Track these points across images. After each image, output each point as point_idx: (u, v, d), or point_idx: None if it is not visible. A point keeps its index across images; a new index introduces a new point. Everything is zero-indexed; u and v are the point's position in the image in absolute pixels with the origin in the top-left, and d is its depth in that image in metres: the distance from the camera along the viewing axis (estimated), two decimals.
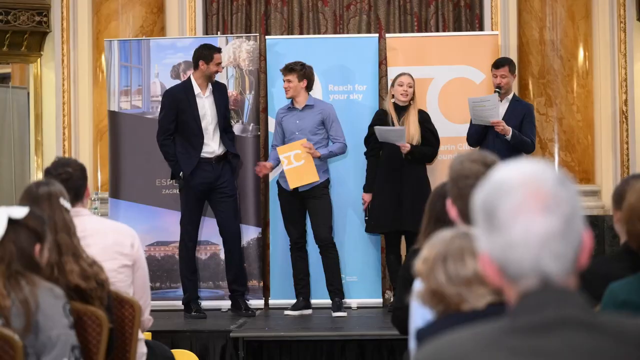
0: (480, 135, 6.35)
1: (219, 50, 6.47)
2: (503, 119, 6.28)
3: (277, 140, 6.55)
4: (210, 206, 6.57)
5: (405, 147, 6.28)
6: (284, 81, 6.44)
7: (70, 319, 2.82)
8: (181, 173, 6.34)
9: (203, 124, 6.37)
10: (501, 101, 6.41)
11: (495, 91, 6.33)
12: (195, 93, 6.39)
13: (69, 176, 3.56)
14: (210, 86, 6.44)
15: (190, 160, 6.34)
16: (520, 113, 6.35)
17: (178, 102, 6.37)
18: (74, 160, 3.74)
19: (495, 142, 6.19)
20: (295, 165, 6.35)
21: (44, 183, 3.27)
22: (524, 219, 1.41)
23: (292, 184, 6.36)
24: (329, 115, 6.49)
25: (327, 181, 6.55)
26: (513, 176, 1.44)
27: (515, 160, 1.47)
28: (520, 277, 1.42)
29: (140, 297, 3.56)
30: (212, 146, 6.40)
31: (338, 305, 6.41)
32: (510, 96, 6.43)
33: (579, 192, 1.45)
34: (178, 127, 6.38)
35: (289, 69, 6.41)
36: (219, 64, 6.39)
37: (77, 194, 3.59)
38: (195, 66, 6.40)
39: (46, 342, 2.76)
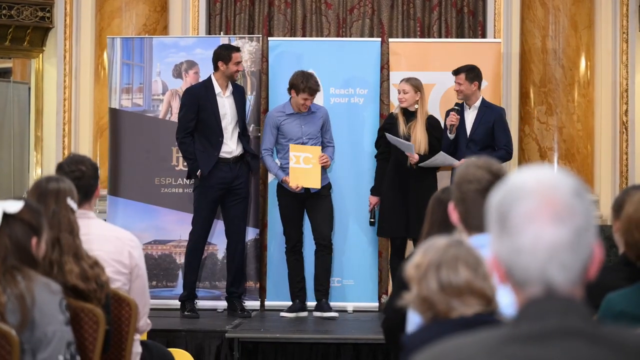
0: (450, 147, 6.38)
1: (237, 49, 6.47)
2: (472, 127, 6.34)
3: (270, 144, 6.47)
4: (220, 206, 6.53)
5: (414, 158, 6.29)
6: (306, 99, 6.37)
7: (67, 314, 2.80)
8: (199, 172, 6.34)
9: (223, 124, 6.37)
10: (470, 108, 6.43)
11: (454, 107, 6.38)
12: (216, 92, 6.39)
13: (81, 174, 3.54)
14: (230, 86, 6.44)
15: (209, 159, 6.34)
16: (489, 119, 6.37)
17: (198, 100, 6.36)
18: (89, 158, 3.68)
19: (466, 153, 6.17)
20: (302, 167, 6.35)
21: (55, 179, 3.24)
22: (535, 226, 1.41)
23: (293, 181, 6.34)
24: (327, 120, 6.54)
25: (329, 185, 6.57)
26: (530, 182, 1.44)
27: (535, 166, 1.47)
28: (526, 283, 1.43)
29: (138, 304, 3.53)
30: (230, 146, 6.39)
31: (327, 305, 6.45)
32: (477, 103, 6.44)
33: (594, 203, 1.46)
34: (198, 125, 6.37)
35: (316, 92, 6.42)
36: (238, 63, 6.38)
37: (87, 193, 3.55)
38: (215, 67, 6.41)
39: (42, 339, 2.75)
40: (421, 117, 6.38)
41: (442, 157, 6.27)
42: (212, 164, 6.32)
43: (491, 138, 6.37)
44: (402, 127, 6.36)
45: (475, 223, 2.54)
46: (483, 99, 6.51)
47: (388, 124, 6.50)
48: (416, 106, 6.38)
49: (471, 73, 6.40)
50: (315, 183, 6.38)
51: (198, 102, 6.36)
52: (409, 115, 6.40)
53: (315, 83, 6.36)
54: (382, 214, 6.56)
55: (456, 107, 6.36)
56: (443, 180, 6.60)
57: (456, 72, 6.43)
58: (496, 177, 2.56)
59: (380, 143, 6.53)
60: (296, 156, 6.35)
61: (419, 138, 6.31)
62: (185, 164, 6.83)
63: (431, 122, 6.44)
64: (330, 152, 6.52)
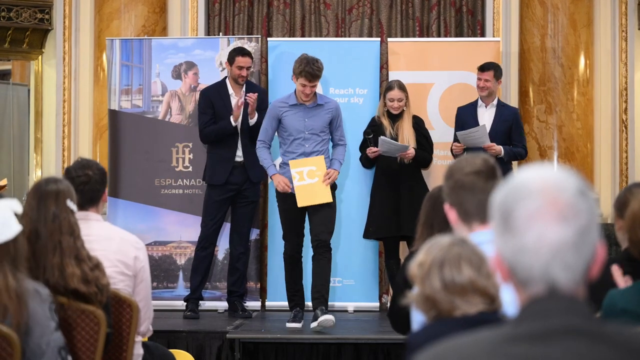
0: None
1: (244, 53, 6.39)
2: (491, 125, 6.34)
3: (267, 136, 5.92)
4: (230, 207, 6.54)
5: (410, 154, 6.26)
6: (304, 85, 5.80)
7: (56, 319, 2.79)
8: (232, 119, 6.25)
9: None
10: (486, 107, 6.44)
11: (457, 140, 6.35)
12: (230, 93, 6.38)
13: (87, 179, 3.53)
14: (243, 88, 6.41)
15: (225, 167, 6.33)
16: (508, 119, 6.42)
17: (213, 102, 6.36)
18: (96, 163, 3.67)
19: (478, 150, 6.19)
20: (307, 183, 5.82)
21: (53, 180, 3.23)
22: (539, 225, 1.41)
23: (301, 202, 5.81)
24: (338, 115, 5.99)
25: (335, 185, 6.08)
26: (534, 181, 1.43)
27: (540, 165, 1.47)
28: (528, 282, 1.43)
29: (141, 308, 3.52)
30: (241, 149, 6.39)
31: (324, 313, 5.87)
32: (495, 102, 6.47)
33: (597, 202, 1.46)
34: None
35: (316, 77, 5.80)
36: (240, 67, 6.33)
37: (93, 198, 3.54)
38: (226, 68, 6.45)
39: (36, 350, 2.73)
40: (408, 116, 6.37)
41: (483, 130, 6.23)
42: (227, 171, 6.32)
43: (507, 136, 6.37)
44: (388, 129, 6.35)
45: (473, 211, 2.51)
46: (498, 98, 6.55)
47: (373, 127, 6.46)
48: (404, 107, 6.38)
49: (498, 71, 6.48)
50: (325, 197, 5.84)
51: (213, 105, 6.36)
52: (393, 116, 6.39)
53: (315, 67, 5.77)
54: (370, 217, 6.54)
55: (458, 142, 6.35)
56: (431, 179, 6.60)
57: (484, 69, 6.43)
58: (486, 162, 2.56)
59: (364, 147, 6.44)
60: (298, 173, 5.82)
61: (407, 136, 6.32)
62: (185, 165, 6.86)
63: (417, 121, 6.46)
64: (340, 152, 6.02)
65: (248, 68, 6.41)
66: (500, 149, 6.23)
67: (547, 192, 1.42)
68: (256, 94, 6.25)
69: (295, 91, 5.92)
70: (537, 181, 1.43)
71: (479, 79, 6.43)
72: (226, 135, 6.30)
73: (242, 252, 6.50)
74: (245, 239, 6.53)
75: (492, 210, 1.47)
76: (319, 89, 6.69)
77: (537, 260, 1.41)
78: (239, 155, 6.37)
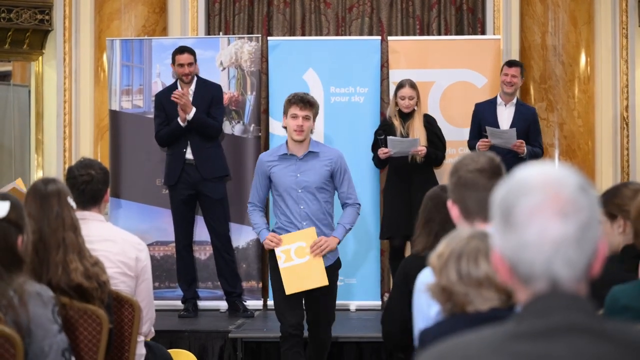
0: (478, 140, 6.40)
1: (182, 51, 6.40)
2: (511, 124, 6.35)
3: (256, 197, 4.94)
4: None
5: (422, 151, 6.24)
6: (295, 116, 4.76)
7: (59, 321, 2.78)
8: (178, 120, 6.29)
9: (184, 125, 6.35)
10: (506, 105, 6.46)
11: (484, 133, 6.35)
12: None
13: (90, 178, 3.53)
14: (192, 86, 6.42)
15: (176, 166, 6.37)
16: (527, 118, 6.43)
17: (164, 103, 6.39)
18: (99, 163, 3.68)
19: (497, 146, 6.21)
20: (295, 263, 4.75)
21: (51, 181, 3.24)
22: (540, 221, 1.40)
23: (289, 288, 4.72)
24: (340, 166, 4.85)
25: (339, 263, 5.00)
26: (535, 177, 1.43)
27: (540, 163, 1.47)
28: (530, 279, 1.42)
29: (142, 308, 3.53)
30: (189, 146, 6.39)
31: None
32: (514, 100, 6.49)
33: (598, 199, 1.45)
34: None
35: (308, 103, 4.78)
36: (181, 65, 6.36)
37: (95, 197, 3.55)
38: None
39: (38, 353, 2.73)
40: (419, 115, 6.37)
41: (512, 133, 6.25)
42: (178, 170, 6.35)
43: (525, 136, 6.38)
44: (399, 128, 6.34)
45: (474, 209, 2.51)
46: (517, 97, 6.56)
47: (385, 126, 6.45)
48: (415, 106, 6.37)
49: (523, 69, 6.53)
50: (318, 279, 4.75)
51: (164, 106, 6.39)
52: (404, 115, 6.38)
53: (305, 95, 4.88)
54: (383, 217, 6.53)
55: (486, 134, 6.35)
56: (442, 177, 6.59)
57: (512, 64, 6.50)
58: (491, 161, 2.57)
59: (376, 147, 6.45)
60: (284, 252, 4.76)
61: (419, 134, 6.31)
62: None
63: (428, 119, 6.45)
64: (349, 214, 4.88)
65: (190, 64, 6.39)
66: (525, 148, 6.27)
67: (548, 187, 1.42)
68: (184, 90, 6.28)
69: (286, 141, 4.88)
70: (538, 177, 1.43)
71: (505, 74, 6.46)
72: (179, 135, 6.35)
73: (225, 251, 6.50)
74: (222, 238, 6.50)
75: (493, 207, 1.46)
76: (319, 91, 6.67)
77: (539, 256, 1.41)
78: (189, 152, 6.38)
